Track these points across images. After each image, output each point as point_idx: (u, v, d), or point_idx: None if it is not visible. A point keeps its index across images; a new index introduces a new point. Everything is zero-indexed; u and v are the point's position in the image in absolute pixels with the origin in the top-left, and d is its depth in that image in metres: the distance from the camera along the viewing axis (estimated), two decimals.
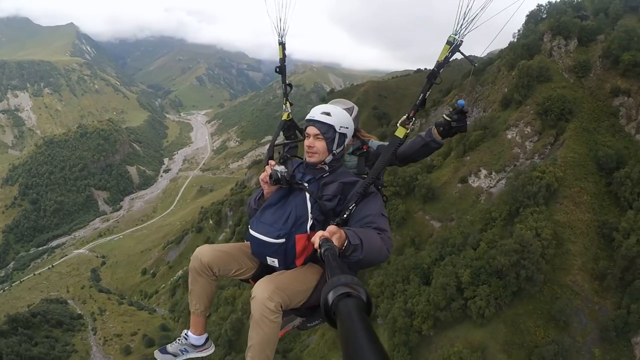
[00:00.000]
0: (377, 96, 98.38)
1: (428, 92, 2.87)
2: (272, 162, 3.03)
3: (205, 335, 3.30)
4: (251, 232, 2.84)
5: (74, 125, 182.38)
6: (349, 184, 2.85)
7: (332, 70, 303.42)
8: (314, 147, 2.89)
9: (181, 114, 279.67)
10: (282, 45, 3.60)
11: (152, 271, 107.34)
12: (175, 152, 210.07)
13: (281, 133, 3.85)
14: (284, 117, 3.69)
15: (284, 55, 3.65)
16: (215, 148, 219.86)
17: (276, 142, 3.69)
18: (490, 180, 44.24)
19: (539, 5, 59.09)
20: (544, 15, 55.50)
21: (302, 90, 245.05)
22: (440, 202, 45.64)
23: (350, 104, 3.47)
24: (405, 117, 2.95)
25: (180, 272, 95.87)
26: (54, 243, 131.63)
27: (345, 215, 2.69)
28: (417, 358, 30.51)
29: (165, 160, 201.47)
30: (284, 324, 3.18)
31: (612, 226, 30.63)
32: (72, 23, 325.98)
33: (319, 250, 1.89)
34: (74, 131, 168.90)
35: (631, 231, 28.80)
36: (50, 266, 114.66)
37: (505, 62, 54.87)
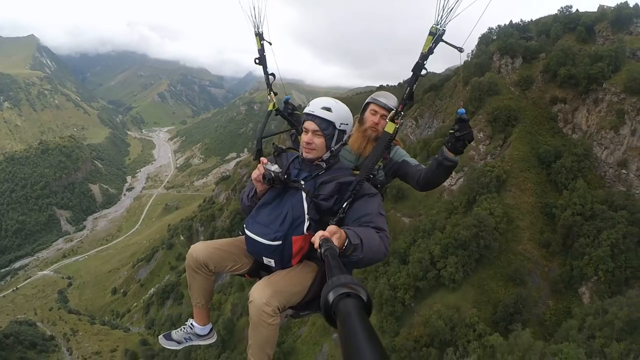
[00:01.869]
0: None
1: (415, 85, 2.94)
2: (264, 159, 2.93)
3: (209, 326, 3.44)
4: (247, 232, 2.85)
5: (34, 142, 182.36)
6: (346, 183, 2.80)
7: (296, 87, 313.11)
8: (312, 144, 2.84)
9: (143, 130, 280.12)
10: (259, 35, 3.59)
11: (122, 290, 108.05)
12: (138, 170, 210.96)
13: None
14: (270, 107, 3.64)
15: (262, 46, 3.61)
16: (178, 165, 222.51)
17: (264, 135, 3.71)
18: (451, 180, 52.25)
19: (489, 28, 69.96)
20: (494, 37, 66.05)
21: (266, 107, 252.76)
22: (409, 201, 53.25)
23: (394, 97, 3.45)
24: (393, 112, 3.02)
25: (153, 289, 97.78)
26: (17, 264, 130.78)
27: (341, 214, 2.73)
28: (403, 325, 37.41)
29: (128, 178, 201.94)
30: None
31: (552, 205, 39.66)
32: (32, 35, 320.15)
33: (319, 250, 1.91)
34: (35, 147, 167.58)
35: (567, 206, 37.72)
36: (15, 288, 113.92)
37: (461, 78, 64.50)
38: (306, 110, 2.88)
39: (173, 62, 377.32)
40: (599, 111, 43.26)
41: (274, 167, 2.81)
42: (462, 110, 2.91)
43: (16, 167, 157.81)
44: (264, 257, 2.83)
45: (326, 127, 2.80)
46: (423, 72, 2.87)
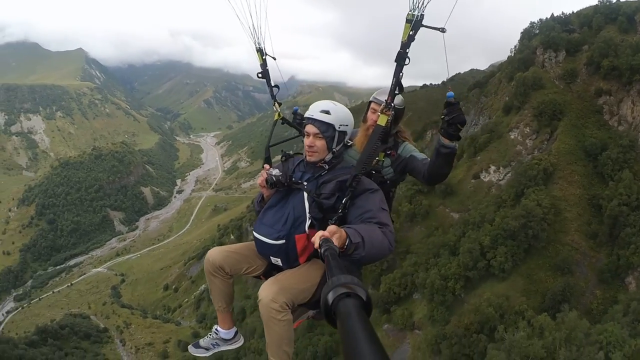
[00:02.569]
0: None
1: (401, 75, 2.97)
2: (266, 166, 3.20)
3: (234, 329, 3.58)
4: (254, 233, 3.04)
5: (86, 148, 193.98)
6: (346, 181, 2.89)
7: (338, 89, 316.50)
8: (314, 147, 2.99)
9: (190, 136, 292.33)
10: (260, 51, 3.78)
11: (174, 286, 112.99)
12: (187, 174, 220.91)
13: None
14: (275, 117, 3.93)
15: (264, 60, 3.81)
16: (226, 169, 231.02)
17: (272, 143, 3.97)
18: (499, 175, 53.57)
19: (531, 23, 70.11)
20: (537, 32, 66.10)
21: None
22: (457, 196, 54.73)
23: (400, 97, 3.49)
24: (383, 104, 3.07)
25: (203, 286, 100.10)
26: (72, 262, 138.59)
27: (341, 212, 2.82)
28: (453, 314, 39.25)
29: (178, 181, 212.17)
30: (298, 315, 3.46)
31: (599, 197, 40.27)
32: (81, 48, 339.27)
33: (319, 250, 1.96)
34: (89, 153, 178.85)
35: (613, 197, 38.44)
36: (70, 284, 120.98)
37: (504, 74, 65.01)
38: (306, 114, 3.05)
39: (217, 69, 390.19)
40: None
41: (275, 172, 3.01)
42: (451, 93, 2.92)
43: (71, 171, 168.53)
44: (271, 257, 2.99)
45: (326, 129, 2.95)
46: (407, 61, 2.90)
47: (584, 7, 66.12)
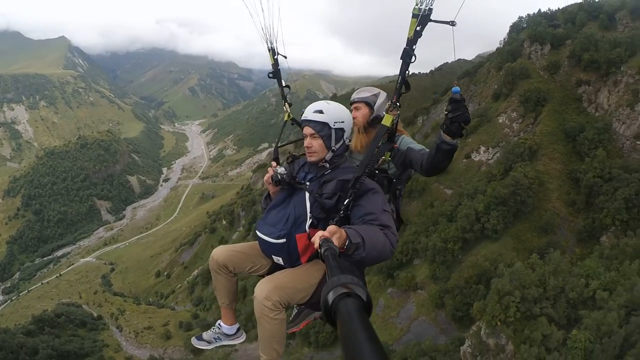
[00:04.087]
0: None
1: (407, 73, 2.99)
2: (273, 164, 3.30)
3: (236, 325, 3.69)
4: (257, 233, 3.12)
5: (71, 137, 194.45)
6: (347, 181, 2.93)
7: (324, 77, 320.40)
8: (312, 147, 3.08)
9: (175, 124, 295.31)
10: (272, 50, 3.83)
11: (166, 273, 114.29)
12: (173, 162, 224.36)
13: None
14: (285, 117, 3.98)
15: (276, 60, 3.87)
16: (212, 157, 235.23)
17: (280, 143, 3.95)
18: (488, 154, 60.22)
19: (520, 17, 77.44)
20: (524, 26, 73.21)
21: (296, 97, 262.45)
22: (450, 174, 61.01)
23: (375, 90, 3.66)
24: (389, 104, 3.10)
25: (196, 271, 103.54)
26: (59, 253, 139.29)
27: (343, 212, 2.87)
28: (453, 272, 45.74)
29: (164, 169, 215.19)
30: (305, 316, 3.62)
31: (577, 171, 47.53)
32: (63, 36, 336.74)
33: (319, 250, 1.99)
34: (74, 142, 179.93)
35: (589, 171, 45.65)
36: (58, 275, 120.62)
37: (494, 65, 71.73)
38: (302, 117, 3.16)
39: (202, 56, 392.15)
40: (618, 91, 50.72)
41: (281, 170, 3.14)
42: (457, 89, 2.86)
43: (56, 161, 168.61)
44: (273, 256, 3.10)
45: (321, 128, 3.05)
46: (413, 58, 2.89)
47: (569, 4, 73.98)
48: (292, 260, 3.03)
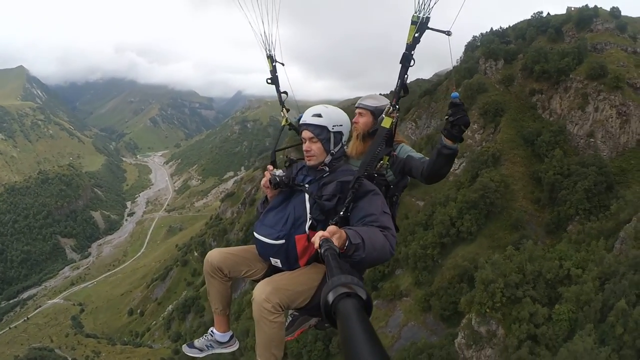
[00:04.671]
0: None
1: (406, 77, 3.05)
2: (270, 167, 3.32)
3: (229, 333, 3.64)
4: (255, 234, 3.13)
5: (30, 172, 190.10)
6: (347, 182, 2.98)
7: (285, 103, 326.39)
8: (311, 151, 3.13)
9: (138, 156, 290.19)
10: (271, 57, 3.95)
11: (139, 310, 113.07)
12: (137, 195, 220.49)
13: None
14: (283, 122, 4.03)
15: (274, 67, 3.98)
16: (177, 188, 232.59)
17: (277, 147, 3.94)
18: (455, 165, 64.08)
19: (474, 36, 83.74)
20: (478, 44, 79.29)
21: (259, 124, 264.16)
22: (421, 187, 63.67)
23: (385, 100, 3.70)
24: (389, 106, 3.17)
25: (170, 306, 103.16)
26: (25, 295, 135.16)
27: (343, 213, 2.88)
28: (435, 276, 48.24)
29: (128, 203, 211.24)
30: (300, 324, 3.61)
31: (538, 171, 52.12)
32: (21, 66, 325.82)
33: (319, 250, 2.00)
34: (35, 177, 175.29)
35: (549, 169, 50.29)
36: (26, 318, 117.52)
37: (452, 82, 76.74)
38: (300, 121, 3.21)
39: (162, 86, 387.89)
40: (569, 96, 56.31)
41: (279, 172, 3.19)
42: (456, 94, 2.95)
43: (17, 197, 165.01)
44: (271, 258, 3.08)
45: (320, 132, 3.09)
46: (412, 62, 2.98)
47: (519, 21, 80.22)
48: (291, 263, 3.02)
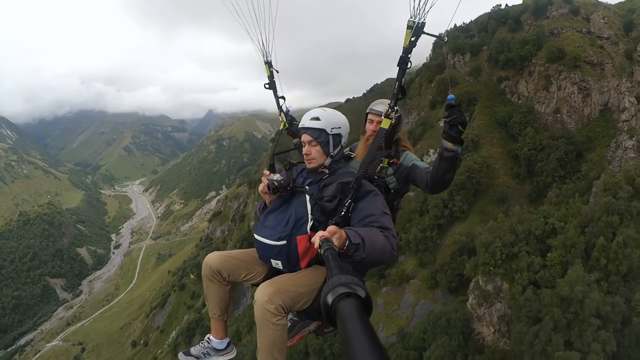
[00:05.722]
0: None
1: (403, 79, 3.19)
2: (266, 172, 3.33)
3: (227, 340, 3.65)
4: (255, 236, 3.16)
5: (11, 215, 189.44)
6: (347, 183, 3.06)
7: (259, 117, 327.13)
8: (310, 154, 3.20)
9: (116, 187, 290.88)
10: (268, 63, 4.08)
11: (142, 341, 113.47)
12: (121, 227, 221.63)
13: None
14: (281, 126, 4.14)
15: (272, 72, 4.11)
16: (160, 215, 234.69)
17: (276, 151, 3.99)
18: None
19: (440, 33, 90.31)
20: (445, 40, 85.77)
21: (235, 141, 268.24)
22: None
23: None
24: (387, 108, 3.30)
25: (174, 332, 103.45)
26: (22, 341, 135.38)
27: (343, 213, 2.94)
28: (436, 254, 53.45)
29: (113, 236, 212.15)
30: (299, 329, 3.58)
31: (514, 150, 58.78)
32: None
33: (319, 250, 2.03)
34: (16, 220, 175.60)
35: (524, 146, 56.94)
36: None
37: (424, 79, 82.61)
38: (299, 125, 3.28)
39: (132, 113, 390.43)
40: (533, 79, 63.40)
41: (276, 177, 3.22)
42: (451, 96, 3.12)
43: (1, 242, 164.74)
44: (271, 260, 3.11)
45: (318, 135, 3.16)
46: (409, 65, 3.13)
47: (480, 14, 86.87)
48: (292, 264, 3.06)
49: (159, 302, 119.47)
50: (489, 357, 35.55)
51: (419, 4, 2.88)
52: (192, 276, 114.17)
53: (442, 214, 55.33)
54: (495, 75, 70.09)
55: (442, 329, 39.53)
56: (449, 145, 3.20)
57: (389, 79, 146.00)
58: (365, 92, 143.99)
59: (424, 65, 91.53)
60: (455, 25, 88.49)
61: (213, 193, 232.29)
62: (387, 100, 3.65)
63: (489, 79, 70.99)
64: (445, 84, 72.09)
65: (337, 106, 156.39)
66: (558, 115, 58.93)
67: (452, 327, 39.10)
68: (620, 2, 78.95)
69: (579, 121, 58.36)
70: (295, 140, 3.87)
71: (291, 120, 4.18)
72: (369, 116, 3.85)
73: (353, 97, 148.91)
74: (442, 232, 55.96)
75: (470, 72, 73.06)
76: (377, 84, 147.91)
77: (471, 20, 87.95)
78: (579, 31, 66.45)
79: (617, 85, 50.96)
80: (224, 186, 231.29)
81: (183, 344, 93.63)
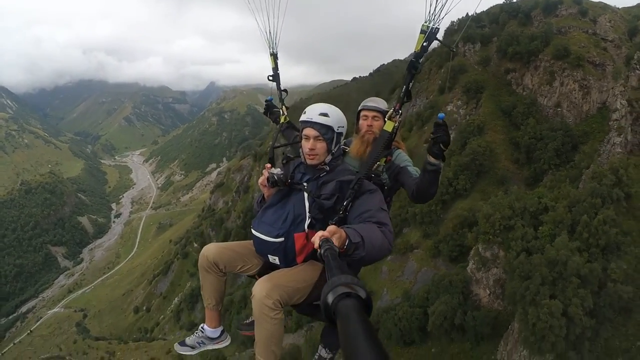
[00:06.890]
0: None
1: (411, 84, 3.26)
2: (268, 165, 3.45)
3: (220, 328, 3.80)
4: (253, 231, 3.25)
5: (12, 184, 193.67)
6: (346, 182, 3.13)
7: (261, 91, 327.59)
8: (315, 150, 3.21)
9: (116, 157, 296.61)
10: (274, 55, 4.23)
11: (144, 307, 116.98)
12: (121, 196, 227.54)
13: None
14: (282, 120, 4.27)
15: (276, 64, 4.26)
16: (160, 185, 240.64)
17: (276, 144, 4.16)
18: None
19: (452, 22, 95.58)
20: (456, 28, 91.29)
21: (237, 114, 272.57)
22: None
23: (384, 102, 4.00)
24: (392, 110, 3.37)
25: (177, 298, 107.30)
26: (24, 308, 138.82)
27: (342, 212, 3.03)
28: (440, 227, 59.71)
29: (113, 205, 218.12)
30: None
31: (516, 137, 64.78)
32: None
33: (319, 250, 2.07)
34: (18, 189, 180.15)
35: (525, 135, 62.82)
36: (29, 331, 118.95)
37: (434, 64, 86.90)
38: (304, 118, 3.24)
39: (133, 84, 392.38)
40: (538, 74, 69.18)
41: (277, 171, 3.30)
42: (442, 115, 3.25)
43: (2, 211, 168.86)
44: (269, 255, 3.21)
45: (326, 131, 3.19)
46: (419, 70, 3.23)
47: (492, 5, 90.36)
48: (288, 260, 3.16)
49: (162, 270, 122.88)
50: (484, 314, 42.42)
51: (435, 9, 2.98)
52: (195, 245, 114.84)
53: (447, 190, 61.19)
54: (503, 66, 75.18)
55: (444, 289, 46.26)
56: (432, 160, 3.38)
57: (395, 60, 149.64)
58: (371, 71, 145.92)
59: (434, 50, 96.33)
60: (467, 14, 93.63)
61: (214, 165, 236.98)
62: (379, 99, 4.07)
63: (497, 69, 75.96)
64: (455, 71, 77.36)
65: (344, 84, 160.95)
66: (558, 109, 65.12)
67: (453, 287, 45.87)
68: (628, 7, 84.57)
69: (577, 116, 64.04)
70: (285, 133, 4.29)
71: (277, 114, 4.52)
72: (363, 112, 4.01)
73: (359, 76, 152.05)
74: (446, 207, 61.90)
75: (479, 62, 77.73)
76: (383, 64, 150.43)
77: (483, 11, 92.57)
78: (585, 32, 71.00)
79: (613, 88, 56.82)
80: (224, 159, 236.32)
81: (186, 310, 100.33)
